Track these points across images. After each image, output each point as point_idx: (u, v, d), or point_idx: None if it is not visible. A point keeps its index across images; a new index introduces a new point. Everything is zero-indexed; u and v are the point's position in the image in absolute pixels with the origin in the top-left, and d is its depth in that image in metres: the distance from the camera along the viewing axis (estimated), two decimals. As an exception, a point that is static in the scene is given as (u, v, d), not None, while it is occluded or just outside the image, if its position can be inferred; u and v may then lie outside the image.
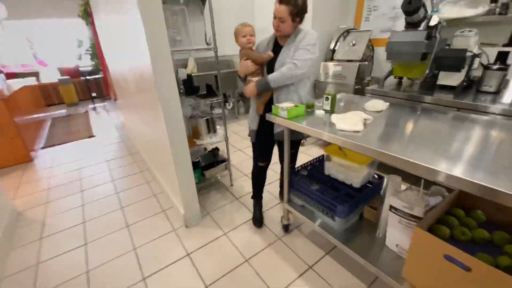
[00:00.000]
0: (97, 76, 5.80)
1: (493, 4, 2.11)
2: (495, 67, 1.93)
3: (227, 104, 4.48)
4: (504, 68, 1.92)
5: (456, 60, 1.99)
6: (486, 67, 1.99)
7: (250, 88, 1.47)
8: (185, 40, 2.16)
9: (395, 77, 2.48)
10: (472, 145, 0.97)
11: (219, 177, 2.43)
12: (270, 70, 1.46)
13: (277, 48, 1.48)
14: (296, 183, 1.59)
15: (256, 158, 1.77)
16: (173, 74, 1.54)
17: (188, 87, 2.14)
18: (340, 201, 1.37)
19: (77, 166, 3.00)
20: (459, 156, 0.87)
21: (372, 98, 1.81)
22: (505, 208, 1.16)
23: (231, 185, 2.36)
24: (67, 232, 1.92)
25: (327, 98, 1.34)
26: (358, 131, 1.07)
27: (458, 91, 2.03)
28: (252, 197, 1.93)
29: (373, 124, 1.17)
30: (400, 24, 2.85)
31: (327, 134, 1.08)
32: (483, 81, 2.01)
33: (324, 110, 1.36)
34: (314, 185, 1.55)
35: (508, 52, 2.01)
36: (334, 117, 1.22)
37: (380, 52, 3.05)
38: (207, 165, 2.25)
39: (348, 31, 2.97)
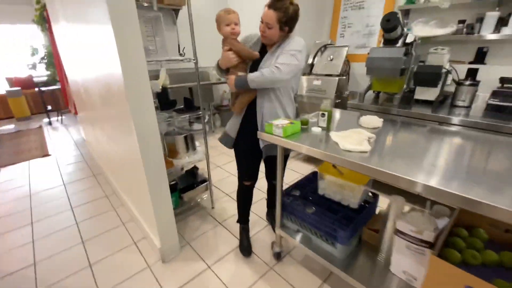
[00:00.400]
0: (53, 87, 5.23)
1: (460, 25, 2.25)
2: (468, 83, 2.03)
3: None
4: (475, 84, 2.02)
5: (433, 75, 2.05)
6: (459, 83, 2.08)
7: (230, 81, 1.33)
8: (159, 50, 1.98)
9: (373, 92, 2.52)
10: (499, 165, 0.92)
11: (199, 200, 2.21)
12: None
13: (264, 51, 1.37)
14: (289, 206, 1.46)
15: (241, 177, 1.61)
16: (148, 85, 1.35)
17: (164, 101, 1.94)
18: (341, 225, 1.26)
19: (27, 192, 2.57)
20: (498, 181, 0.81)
21: (352, 112, 1.78)
22: (505, 225, 1.13)
23: (212, 207, 2.16)
24: (13, 278, 1.56)
25: (323, 115, 1.25)
26: (365, 152, 0.98)
27: (435, 105, 2.09)
28: (238, 222, 1.76)
29: (378, 142, 1.09)
30: (374, 40, 2.95)
31: (336, 157, 0.96)
32: (457, 96, 2.10)
33: (320, 127, 1.27)
34: (308, 207, 1.43)
35: (477, 69, 2.13)
36: (335, 136, 1.13)
37: (356, 67, 3.13)
38: (185, 187, 2.03)
39: (325, 46, 3.00)
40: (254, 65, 1.35)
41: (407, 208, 1.19)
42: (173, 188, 1.88)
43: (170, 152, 1.93)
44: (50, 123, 5.16)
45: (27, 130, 4.72)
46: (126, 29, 1.16)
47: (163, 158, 1.52)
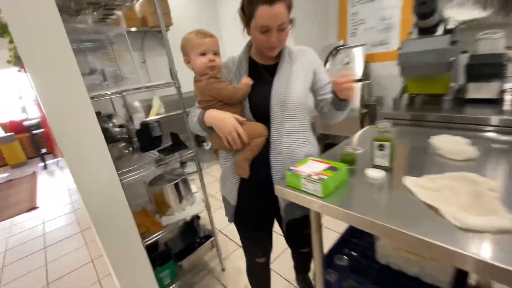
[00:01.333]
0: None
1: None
2: (543, 70, 1.52)
3: (204, 144, 3.83)
4: (554, 71, 1.51)
5: (493, 66, 1.55)
6: (528, 72, 1.58)
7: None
8: (134, 76, 1.57)
9: (409, 95, 2.02)
10: None
11: (205, 258, 1.70)
12: (257, 105, 0.87)
13: (256, 71, 0.89)
14: (337, 289, 0.94)
15: (251, 253, 1.12)
16: (96, 124, 0.90)
17: (145, 140, 1.50)
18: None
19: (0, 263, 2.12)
20: None
21: (402, 127, 1.27)
22: None
23: (223, 269, 1.64)
24: None
25: (381, 147, 0.75)
26: (508, 231, 0.47)
27: (499, 105, 1.58)
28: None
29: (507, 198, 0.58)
30: (395, 35, 2.48)
31: (458, 253, 0.45)
32: (528, 90, 1.59)
33: (378, 166, 0.77)
34: (369, 291, 0.90)
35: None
36: (419, 189, 0.62)
37: (376, 68, 2.64)
38: (183, 250, 1.54)
39: (336, 49, 2.56)
40: (259, 87, 0.87)
41: None
42: (165, 258, 1.39)
43: (159, 206, 1.45)
44: (45, 167, 4.82)
45: (19, 179, 4.37)
46: (42, 49, 0.73)
47: (134, 225, 1.05)
